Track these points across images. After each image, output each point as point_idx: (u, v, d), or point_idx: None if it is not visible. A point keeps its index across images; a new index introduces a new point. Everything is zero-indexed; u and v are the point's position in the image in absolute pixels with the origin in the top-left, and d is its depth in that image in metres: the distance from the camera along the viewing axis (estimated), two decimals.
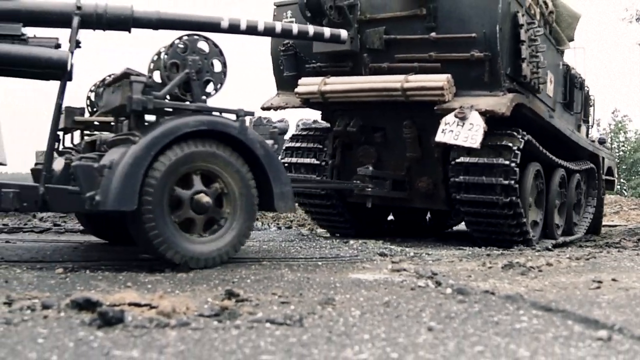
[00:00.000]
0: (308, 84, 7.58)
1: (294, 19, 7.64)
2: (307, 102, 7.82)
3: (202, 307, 3.03)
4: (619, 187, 31.63)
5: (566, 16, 9.25)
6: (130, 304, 2.94)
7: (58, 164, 5.40)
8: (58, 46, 5.18)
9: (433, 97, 6.89)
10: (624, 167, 33.21)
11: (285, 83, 8.04)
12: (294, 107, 7.66)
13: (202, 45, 5.24)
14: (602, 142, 12.10)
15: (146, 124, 5.00)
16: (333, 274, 4.58)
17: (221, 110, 5.27)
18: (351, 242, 7.25)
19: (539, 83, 7.62)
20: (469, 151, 6.82)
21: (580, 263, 5.62)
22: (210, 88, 5.29)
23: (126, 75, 5.07)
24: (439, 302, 3.41)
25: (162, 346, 2.30)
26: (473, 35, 6.83)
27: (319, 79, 7.48)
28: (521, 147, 6.93)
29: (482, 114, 6.66)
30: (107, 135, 5.87)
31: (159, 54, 5.18)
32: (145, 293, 3.40)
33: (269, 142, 4.79)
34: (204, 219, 4.97)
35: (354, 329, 2.69)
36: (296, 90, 7.67)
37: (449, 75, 6.90)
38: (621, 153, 33.64)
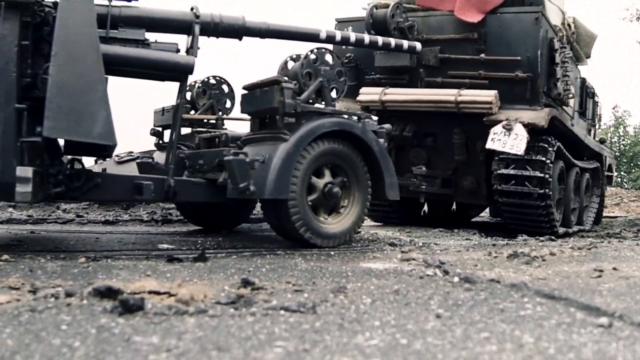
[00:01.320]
0: (369, 93, 8.30)
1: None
2: (367, 109, 8.29)
3: (219, 295, 3.03)
4: (619, 180, 31.54)
5: (584, 36, 10.13)
6: (150, 292, 2.94)
7: (159, 156, 6.30)
8: (177, 51, 5.69)
9: (482, 109, 7.70)
10: (624, 160, 33.10)
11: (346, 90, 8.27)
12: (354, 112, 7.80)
13: (328, 58, 6.04)
14: (602, 141, 12.65)
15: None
16: (345, 263, 4.58)
17: (347, 114, 6.17)
18: (362, 232, 7.26)
19: (568, 98, 8.71)
20: (507, 163, 7.69)
21: (582, 253, 5.60)
22: (334, 94, 6.04)
23: (276, 82, 5.61)
24: (447, 290, 3.40)
25: (181, 332, 2.30)
26: (518, 58, 7.77)
27: (379, 89, 8.19)
28: (554, 153, 7.86)
29: (525, 125, 7.47)
30: (232, 132, 6.63)
31: (286, 62, 6.21)
32: (164, 281, 3.40)
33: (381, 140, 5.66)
34: (330, 205, 5.80)
35: (365, 316, 2.68)
36: (358, 98, 8.33)
37: (496, 91, 7.72)
38: (621, 147, 33.53)
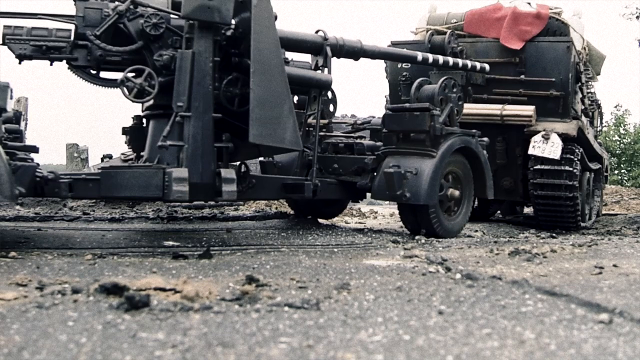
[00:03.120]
0: None
1: None
2: None
3: (224, 292, 3.03)
4: (619, 177, 31.50)
5: (595, 56, 11.16)
6: (155, 289, 2.95)
7: (280, 157, 7.42)
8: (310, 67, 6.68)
9: (523, 122, 8.95)
10: (624, 158, 33.05)
11: (400, 103, 9.16)
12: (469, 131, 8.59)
13: (455, 85, 7.21)
14: (599, 145, 13.24)
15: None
16: (348, 260, 4.58)
17: (466, 133, 7.16)
18: (365, 230, 7.26)
19: (592, 112, 10.46)
20: (542, 161, 8.82)
21: (582, 250, 5.59)
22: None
23: (427, 109, 6.67)
24: (449, 286, 3.41)
25: (186, 329, 2.30)
26: (552, 79, 9.04)
27: None
28: (579, 158, 9.06)
29: (559, 135, 8.72)
30: (367, 142, 7.64)
31: (419, 86, 7.09)
32: (170, 278, 3.40)
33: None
34: (449, 205, 6.99)
35: (368, 312, 2.68)
36: None
37: (534, 107, 8.96)
38: (622, 145, 33.48)
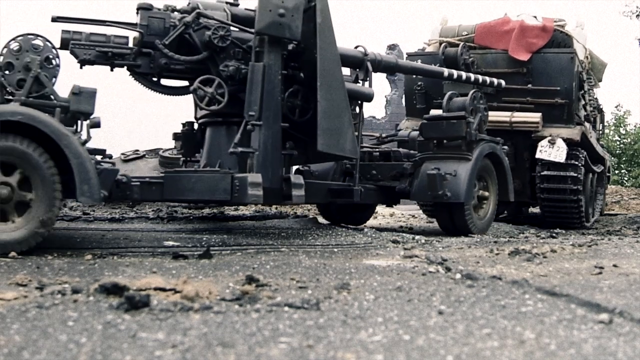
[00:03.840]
0: None
1: None
2: None
3: (224, 292, 3.03)
4: (619, 178, 31.46)
5: (597, 64, 11.76)
6: (155, 289, 2.95)
7: (316, 166, 7.97)
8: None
9: (530, 128, 9.64)
10: (624, 158, 33.01)
11: (415, 112, 10.52)
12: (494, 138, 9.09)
13: (482, 98, 7.95)
14: (601, 146, 13.79)
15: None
16: (348, 260, 4.58)
17: (492, 140, 7.89)
18: (365, 230, 7.27)
19: (594, 117, 11.13)
20: (549, 167, 9.50)
21: (582, 250, 5.60)
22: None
23: (463, 117, 7.39)
24: (449, 286, 3.40)
25: (186, 329, 2.30)
26: (557, 88, 9.70)
27: None
28: (583, 162, 9.74)
29: (564, 140, 9.39)
30: (405, 150, 8.30)
31: (450, 98, 7.78)
32: (170, 278, 3.40)
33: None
34: (478, 205, 7.75)
35: (368, 312, 2.68)
36: None
37: (541, 114, 9.64)
38: (622, 145, 33.44)
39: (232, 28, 6.32)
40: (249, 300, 2.84)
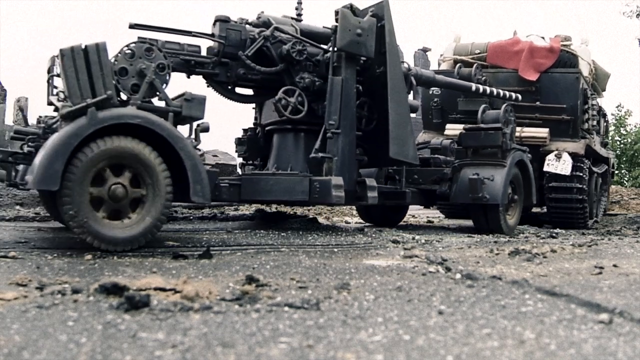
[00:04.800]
0: (453, 129, 10.44)
1: None
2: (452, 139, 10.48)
3: (224, 292, 3.03)
4: (619, 178, 31.41)
5: (601, 74, 12.56)
6: (155, 289, 2.95)
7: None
8: None
9: (538, 142, 10.30)
10: (624, 159, 32.95)
11: (432, 126, 11.43)
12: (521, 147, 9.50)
13: (511, 110, 8.57)
14: (605, 144, 14.13)
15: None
16: (348, 260, 4.58)
17: (520, 149, 8.48)
18: (365, 230, 7.27)
19: (596, 131, 11.76)
20: (556, 178, 10.21)
21: (582, 250, 5.60)
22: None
23: (500, 128, 8.02)
24: (449, 286, 3.41)
25: (186, 329, 2.30)
26: (563, 105, 10.48)
27: (460, 126, 10.01)
28: (587, 172, 10.59)
29: (570, 154, 10.13)
30: (443, 157, 8.86)
31: (483, 110, 8.44)
32: (170, 278, 3.40)
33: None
34: (509, 207, 8.34)
35: (368, 312, 2.68)
36: (445, 132, 10.69)
37: (548, 129, 10.37)
38: (622, 145, 33.36)
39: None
40: (249, 300, 2.84)
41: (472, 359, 2.02)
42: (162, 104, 5.54)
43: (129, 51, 5.52)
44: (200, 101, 5.63)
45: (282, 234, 6.37)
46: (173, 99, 5.63)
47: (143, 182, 4.92)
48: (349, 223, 9.37)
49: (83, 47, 4.95)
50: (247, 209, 9.88)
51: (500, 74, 11.09)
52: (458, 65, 10.79)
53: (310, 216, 8.65)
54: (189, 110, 5.53)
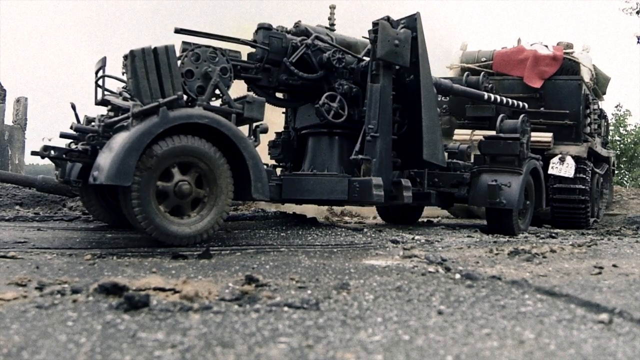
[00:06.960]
0: (462, 134, 11.17)
1: None
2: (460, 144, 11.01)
3: (223, 292, 3.03)
4: (619, 178, 31.43)
5: (601, 79, 13.17)
6: (155, 289, 2.95)
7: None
8: None
9: (543, 146, 10.74)
10: (624, 159, 32.97)
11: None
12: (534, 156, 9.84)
13: (527, 120, 8.83)
14: (605, 144, 14.37)
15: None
16: (348, 260, 4.58)
17: (534, 157, 8.78)
18: (365, 230, 7.27)
19: (598, 134, 12.28)
20: (560, 181, 10.78)
21: (582, 250, 5.60)
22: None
23: (517, 138, 8.33)
24: (449, 286, 3.40)
25: (186, 329, 2.30)
26: (567, 111, 11.14)
27: (468, 131, 11.11)
28: (590, 174, 11.16)
29: (573, 157, 10.70)
30: (462, 162, 9.01)
31: (501, 120, 8.77)
32: (169, 278, 3.40)
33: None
34: (522, 211, 8.60)
35: (368, 312, 2.68)
36: (454, 137, 11.14)
37: (552, 134, 10.92)
38: (622, 146, 33.38)
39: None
40: (249, 300, 2.84)
41: (471, 359, 2.02)
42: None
43: (195, 55, 5.81)
44: (261, 104, 5.95)
45: (282, 234, 6.36)
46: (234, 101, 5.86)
47: (206, 183, 5.23)
48: (349, 223, 9.38)
49: (153, 48, 5.18)
50: (246, 209, 9.87)
51: (506, 81, 11.68)
52: (466, 73, 11.22)
53: (310, 216, 8.65)
54: (250, 111, 5.84)
